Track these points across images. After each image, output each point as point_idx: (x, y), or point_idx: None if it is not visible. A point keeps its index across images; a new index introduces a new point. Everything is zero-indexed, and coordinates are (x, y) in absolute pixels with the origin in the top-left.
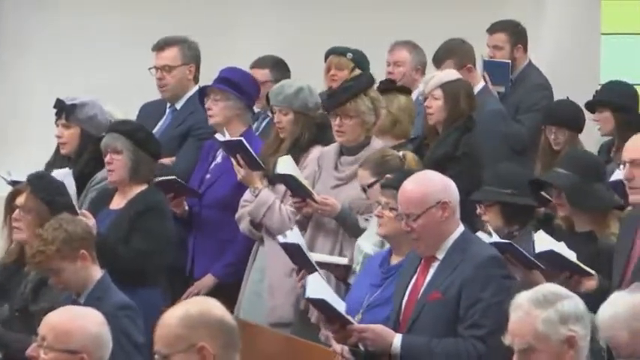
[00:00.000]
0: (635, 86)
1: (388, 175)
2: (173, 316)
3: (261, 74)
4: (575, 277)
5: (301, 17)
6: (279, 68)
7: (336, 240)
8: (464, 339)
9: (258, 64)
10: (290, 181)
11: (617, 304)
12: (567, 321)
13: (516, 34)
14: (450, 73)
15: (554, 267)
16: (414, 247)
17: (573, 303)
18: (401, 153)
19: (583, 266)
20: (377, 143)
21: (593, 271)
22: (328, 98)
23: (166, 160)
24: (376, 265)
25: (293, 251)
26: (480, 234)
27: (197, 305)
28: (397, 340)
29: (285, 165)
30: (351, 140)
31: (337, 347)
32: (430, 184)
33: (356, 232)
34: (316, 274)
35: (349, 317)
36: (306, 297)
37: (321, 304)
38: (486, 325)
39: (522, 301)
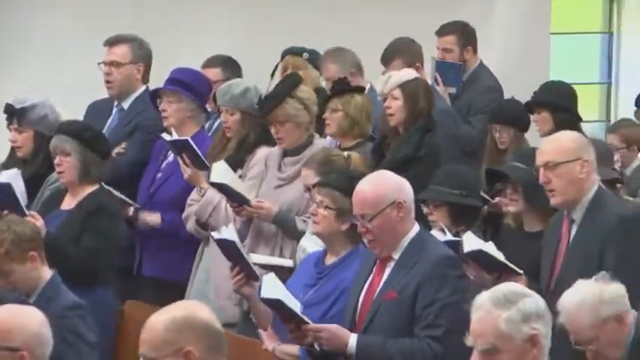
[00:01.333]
0: (585, 85)
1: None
2: (159, 320)
3: (213, 73)
4: (503, 276)
5: (253, 17)
6: (230, 67)
7: (276, 243)
8: (419, 339)
9: (210, 63)
10: (224, 189)
11: (583, 291)
12: (529, 319)
13: (465, 35)
14: (408, 73)
15: (483, 266)
16: (370, 247)
17: (534, 301)
18: (346, 153)
19: (511, 266)
20: (320, 142)
21: (521, 271)
22: (259, 108)
23: (116, 150)
24: (310, 266)
25: (228, 248)
26: (434, 232)
27: (183, 309)
28: (353, 340)
29: (218, 172)
30: (291, 144)
31: (270, 346)
32: (385, 185)
33: (293, 234)
34: (272, 274)
35: (305, 317)
36: (261, 297)
37: (277, 304)
38: (442, 325)
39: (483, 301)
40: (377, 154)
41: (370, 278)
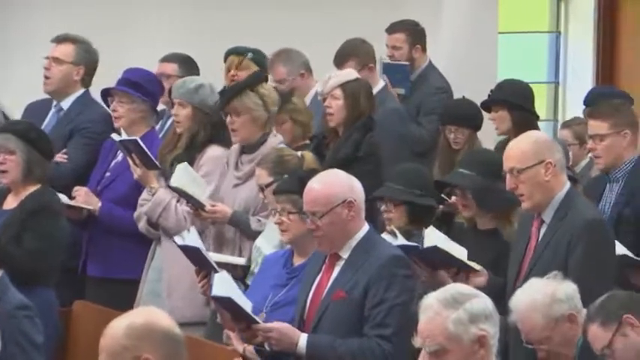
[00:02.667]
0: (532, 84)
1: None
2: (118, 327)
3: (171, 68)
4: (462, 273)
5: (204, 17)
6: (188, 65)
7: (235, 246)
8: (369, 338)
9: (168, 58)
10: (181, 193)
11: (536, 290)
12: (477, 320)
13: (415, 33)
14: (349, 73)
15: (440, 263)
16: (317, 244)
17: (482, 302)
18: (299, 153)
19: (469, 262)
20: (274, 140)
21: (479, 267)
22: (220, 97)
23: (58, 158)
24: (279, 266)
25: (192, 254)
26: (385, 235)
27: (142, 316)
28: (302, 339)
29: (178, 176)
30: (245, 138)
31: (239, 347)
32: (336, 183)
33: (249, 234)
34: (224, 272)
35: (255, 317)
36: (212, 295)
37: (228, 303)
38: (391, 325)
39: (431, 301)
40: (316, 155)
41: (319, 277)
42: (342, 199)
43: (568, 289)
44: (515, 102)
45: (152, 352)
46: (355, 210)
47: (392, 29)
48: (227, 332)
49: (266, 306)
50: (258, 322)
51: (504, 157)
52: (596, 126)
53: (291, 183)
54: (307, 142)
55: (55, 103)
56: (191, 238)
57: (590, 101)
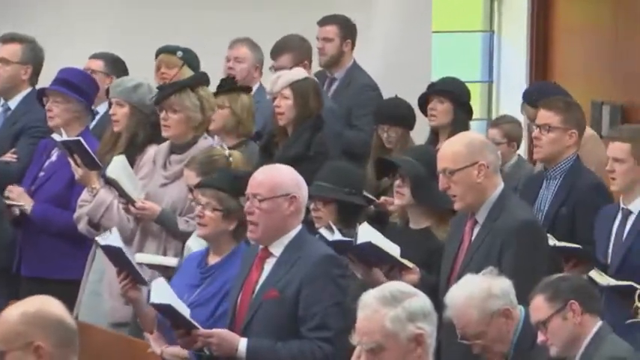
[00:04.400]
0: (466, 83)
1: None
2: (13, 313)
3: (96, 64)
4: (395, 270)
5: (139, 17)
6: (115, 63)
7: (160, 241)
8: (309, 341)
9: (96, 55)
10: (114, 185)
11: (472, 285)
12: (415, 319)
13: (347, 28)
14: (298, 72)
15: (375, 259)
16: (248, 231)
17: (420, 300)
18: (227, 152)
19: (402, 260)
20: (205, 142)
21: (412, 265)
22: (157, 92)
23: (7, 157)
24: (193, 266)
25: (114, 254)
26: (322, 230)
27: (36, 304)
28: (242, 344)
29: (116, 166)
30: (176, 136)
31: (157, 349)
32: (285, 175)
33: (175, 234)
34: (161, 278)
35: (194, 322)
36: (151, 302)
37: (167, 310)
38: (331, 326)
39: (369, 299)
40: (265, 153)
41: (249, 275)
42: (286, 192)
43: (503, 284)
44: (461, 97)
45: (44, 339)
46: (296, 207)
47: (324, 21)
48: (146, 335)
49: None
50: (197, 328)
51: (438, 157)
52: (548, 116)
53: (222, 180)
54: (242, 139)
55: (2, 102)
56: (113, 238)
57: (529, 98)
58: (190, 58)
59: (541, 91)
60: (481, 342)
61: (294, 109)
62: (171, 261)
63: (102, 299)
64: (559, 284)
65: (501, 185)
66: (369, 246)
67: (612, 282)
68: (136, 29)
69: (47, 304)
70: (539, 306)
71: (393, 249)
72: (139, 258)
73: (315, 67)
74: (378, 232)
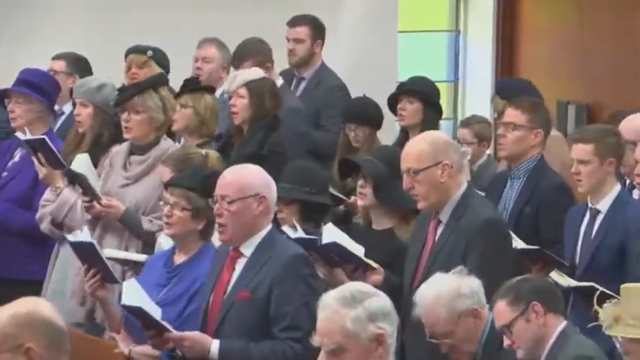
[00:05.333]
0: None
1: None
2: (3, 315)
3: (58, 65)
4: (359, 270)
5: (102, 18)
6: (78, 63)
7: (122, 238)
8: (281, 341)
9: (58, 56)
10: (81, 181)
11: (441, 284)
12: (375, 319)
13: (317, 28)
14: (255, 72)
15: (340, 259)
16: (219, 233)
17: (380, 300)
18: (204, 151)
19: (367, 260)
20: (166, 144)
21: (377, 266)
22: (119, 94)
23: None
24: (160, 264)
25: (84, 251)
26: (285, 228)
27: (26, 306)
28: (215, 346)
29: (79, 163)
30: (138, 137)
31: (125, 349)
32: (254, 176)
33: (139, 233)
34: (132, 280)
35: (167, 324)
36: (122, 304)
37: (138, 312)
38: (301, 326)
39: (330, 300)
40: (223, 154)
41: (220, 276)
42: (255, 192)
43: (473, 284)
44: (431, 97)
45: (34, 340)
46: (265, 207)
47: (294, 22)
48: (112, 335)
49: None
50: (170, 330)
51: (402, 156)
52: (514, 115)
53: (191, 179)
54: (205, 140)
55: None
56: (84, 235)
57: (502, 91)
58: (160, 58)
59: (514, 86)
60: (449, 341)
61: (249, 109)
62: (140, 257)
63: (65, 298)
64: (520, 287)
65: (465, 184)
66: (334, 246)
67: (573, 283)
68: (104, 30)
69: (37, 306)
70: (502, 311)
71: (358, 249)
72: (108, 253)
73: (278, 66)
74: (342, 233)
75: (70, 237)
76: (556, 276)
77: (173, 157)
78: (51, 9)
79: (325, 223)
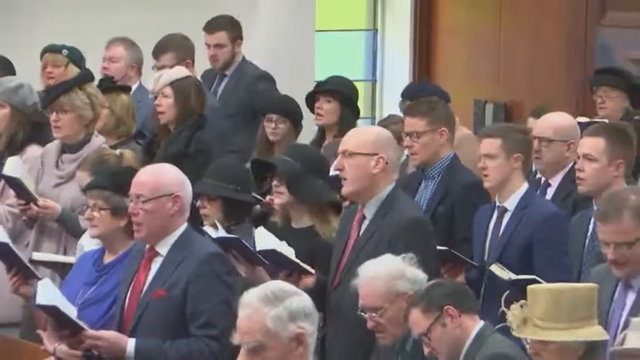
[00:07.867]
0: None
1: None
2: None
3: None
4: (294, 274)
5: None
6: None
7: (60, 241)
8: (197, 339)
9: None
10: (15, 184)
11: (388, 262)
12: (296, 318)
13: (234, 29)
14: (179, 71)
15: (275, 265)
16: (135, 232)
17: (302, 300)
18: (118, 151)
19: (303, 265)
20: (97, 141)
21: (311, 269)
22: (45, 95)
23: None
24: (89, 263)
25: (2, 251)
26: (206, 228)
27: None
28: (130, 345)
29: (12, 166)
30: (68, 136)
31: (50, 347)
32: (168, 175)
33: (77, 232)
34: (47, 279)
35: (81, 323)
36: (37, 303)
37: (53, 311)
38: (218, 324)
39: (251, 298)
40: (148, 153)
41: (136, 275)
42: (169, 192)
43: (419, 275)
44: (349, 97)
45: None
46: (180, 206)
47: (212, 28)
48: (39, 332)
49: (76, 303)
50: (85, 329)
51: (343, 139)
52: (413, 123)
53: (102, 179)
54: (123, 139)
55: None
56: (0, 235)
57: (408, 96)
58: (76, 57)
59: (421, 89)
60: (377, 317)
61: (174, 108)
62: (69, 259)
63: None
64: (431, 292)
65: (393, 184)
66: (273, 253)
67: (513, 276)
68: (22, 31)
69: None
70: (417, 319)
71: (290, 252)
72: (35, 256)
73: (199, 65)
74: (273, 236)
75: None
76: (497, 269)
77: (89, 162)
78: None
79: (244, 220)
